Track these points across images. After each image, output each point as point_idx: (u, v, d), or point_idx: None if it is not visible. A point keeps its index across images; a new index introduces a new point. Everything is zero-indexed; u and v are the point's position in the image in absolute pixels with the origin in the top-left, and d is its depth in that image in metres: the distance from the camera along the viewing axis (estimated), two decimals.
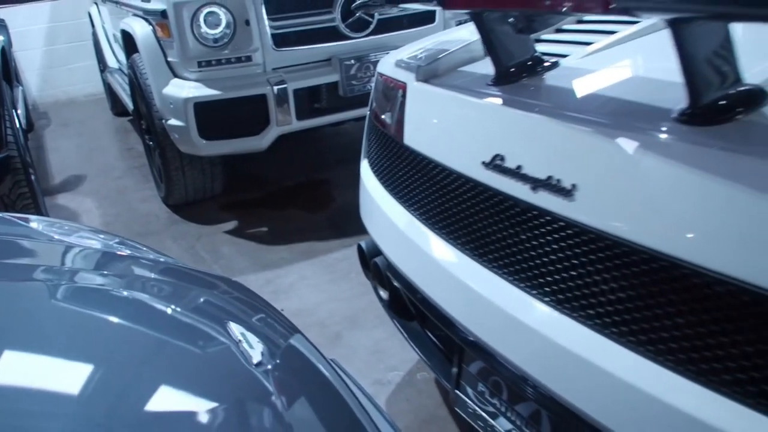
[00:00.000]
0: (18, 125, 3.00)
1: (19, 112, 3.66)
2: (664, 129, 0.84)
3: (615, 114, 0.93)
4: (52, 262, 1.12)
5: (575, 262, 0.93)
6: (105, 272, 1.14)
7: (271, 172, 3.81)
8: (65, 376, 0.75)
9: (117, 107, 5.32)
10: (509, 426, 1.13)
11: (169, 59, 2.96)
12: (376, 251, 1.55)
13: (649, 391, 0.82)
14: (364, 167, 1.67)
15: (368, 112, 1.67)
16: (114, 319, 0.93)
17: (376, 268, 1.56)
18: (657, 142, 0.83)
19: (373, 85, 1.65)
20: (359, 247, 1.65)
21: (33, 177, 2.89)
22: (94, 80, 6.14)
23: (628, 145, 0.85)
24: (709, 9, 0.69)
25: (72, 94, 6.49)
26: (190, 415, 0.74)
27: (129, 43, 3.36)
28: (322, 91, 3.00)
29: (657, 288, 0.82)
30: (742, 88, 0.84)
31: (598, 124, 0.90)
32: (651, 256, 0.82)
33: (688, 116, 0.83)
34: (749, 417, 0.74)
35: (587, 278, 0.91)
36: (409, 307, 1.49)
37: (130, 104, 3.82)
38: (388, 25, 3.07)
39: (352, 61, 2.96)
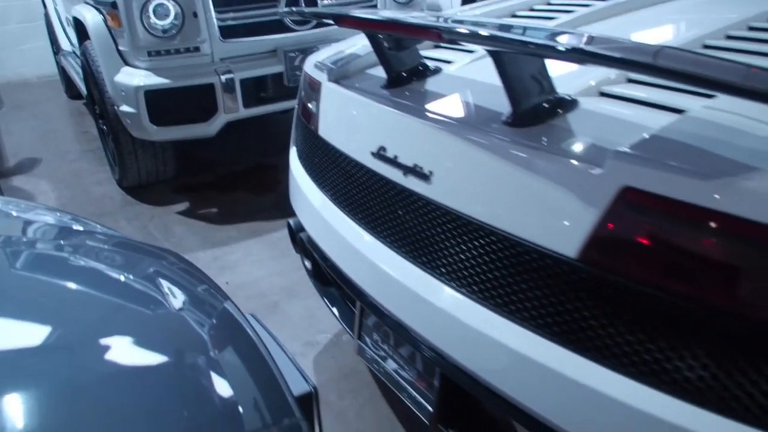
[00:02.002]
0: None
1: None
2: (494, 129, 1.10)
3: (464, 115, 1.19)
4: (12, 234, 1.33)
5: (434, 232, 1.19)
6: (61, 243, 1.36)
7: (221, 156, 3.99)
8: (23, 333, 0.94)
9: (71, 90, 5.37)
10: (395, 365, 1.40)
11: (120, 48, 3.12)
12: (301, 227, 1.79)
13: (482, 329, 1.09)
14: (292, 154, 1.91)
15: (296, 105, 1.89)
16: (66, 281, 1.15)
17: (301, 241, 1.80)
18: (487, 139, 1.09)
19: (301, 80, 1.87)
20: (288, 224, 1.89)
21: None
22: (48, 62, 6.16)
23: (467, 141, 1.11)
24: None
25: (25, 76, 6.49)
26: (130, 347, 0.97)
27: (81, 29, 3.48)
28: (267, 81, 3.20)
29: (484, 250, 1.09)
30: (553, 99, 1.10)
31: (449, 124, 1.16)
32: (480, 226, 1.09)
33: (511, 120, 1.09)
34: (553, 349, 1.00)
35: (442, 245, 1.17)
36: (326, 274, 1.74)
37: (83, 88, 3.94)
38: None
39: (297, 53, 3.16)
